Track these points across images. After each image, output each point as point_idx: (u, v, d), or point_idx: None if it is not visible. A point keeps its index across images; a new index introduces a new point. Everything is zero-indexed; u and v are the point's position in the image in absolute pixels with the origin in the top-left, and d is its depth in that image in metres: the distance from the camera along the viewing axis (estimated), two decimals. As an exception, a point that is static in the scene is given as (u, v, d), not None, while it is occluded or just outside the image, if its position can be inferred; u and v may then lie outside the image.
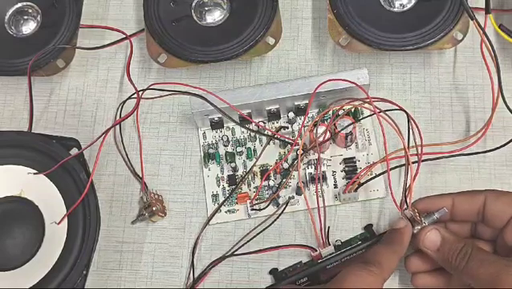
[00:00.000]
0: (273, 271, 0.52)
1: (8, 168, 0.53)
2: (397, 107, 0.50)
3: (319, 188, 0.53)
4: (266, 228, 0.52)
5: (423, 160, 0.49)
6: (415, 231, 0.46)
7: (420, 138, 0.48)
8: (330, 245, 0.51)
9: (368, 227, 0.52)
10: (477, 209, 0.46)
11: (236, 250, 0.52)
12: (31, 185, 0.53)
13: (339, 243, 0.51)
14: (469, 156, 0.52)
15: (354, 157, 0.54)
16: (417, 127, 0.49)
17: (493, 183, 0.53)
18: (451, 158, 0.50)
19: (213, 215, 0.54)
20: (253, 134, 0.55)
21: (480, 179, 0.53)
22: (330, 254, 0.50)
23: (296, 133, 0.55)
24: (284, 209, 0.52)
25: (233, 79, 0.59)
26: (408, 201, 0.47)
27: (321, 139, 0.52)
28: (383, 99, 0.51)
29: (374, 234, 0.52)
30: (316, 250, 0.51)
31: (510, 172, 0.53)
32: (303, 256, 0.52)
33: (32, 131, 0.56)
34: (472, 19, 0.51)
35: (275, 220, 0.53)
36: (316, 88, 0.51)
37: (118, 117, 0.58)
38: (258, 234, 0.52)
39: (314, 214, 0.51)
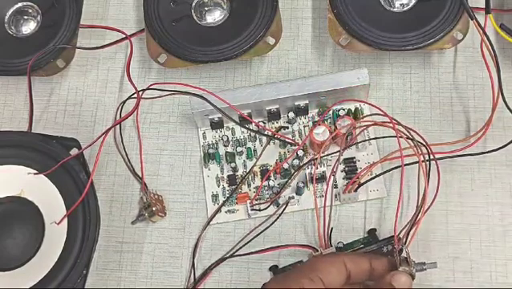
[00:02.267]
0: (273, 268, 0.52)
1: (8, 168, 0.53)
2: (423, 143, 0.49)
3: (321, 188, 0.53)
4: (267, 228, 0.52)
5: (424, 161, 0.49)
6: (400, 269, 0.44)
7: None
8: (332, 246, 0.50)
9: (372, 231, 0.52)
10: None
11: (236, 251, 0.52)
12: (31, 185, 0.53)
13: (341, 245, 0.51)
14: (469, 156, 0.52)
15: (354, 157, 0.54)
16: (437, 166, 0.48)
17: (493, 183, 0.53)
18: (451, 158, 0.50)
19: (214, 215, 0.53)
20: (253, 134, 0.55)
21: (480, 179, 0.53)
22: None
23: (296, 133, 0.55)
24: (284, 209, 0.52)
25: (233, 79, 0.59)
26: (408, 239, 0.46)
27: (323, 138, 0.52)
28: (407, 128, 0.49)
29: (377, 239, 0.51)
30: (318, 251, 0.51)
31: (510, 172, 0.53)
32: (304, 256, 0.52)
33: (32, 131, 0.56)
34: (472, 19, 0.51)
35: (275, 220, 0.52)
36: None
37: (118, 117, 0.58)
38: (258, 234, 0.52)
39: (314, 215, 0.51)
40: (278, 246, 0.52)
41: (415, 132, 0.49)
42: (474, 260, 0.51)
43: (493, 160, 0.53)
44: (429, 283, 0.51)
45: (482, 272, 0.51)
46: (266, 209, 0.53)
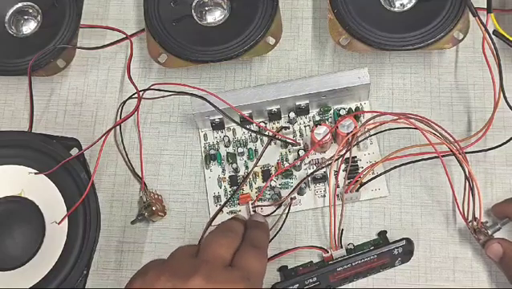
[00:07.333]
0: (282, 269, 0.51)
1: (8, 168, 0.53)
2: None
3: (324, 188, 0.53)
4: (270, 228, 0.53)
5: (425, 159, 0.50)
6: (480, 242, 0.49)
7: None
8: (342, 248, 0.50)
9: (382, 233, 0.52)
10: None
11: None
12: (32, 185, 0.53)
13: (352, 247, 0.51)
14: (469, 154, 0.52)
15: (355, 157, 0.54)
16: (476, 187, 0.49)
17: (494, 183, 0.53)
18: (451, 157, 0.50)
19: (215, 216, 0.53)
20: (254, 135, 0.55)
21: (480, 179, 0.53)
22: (341, 257, 0.50)
23: (297, 133, 0.55)
24: (289, 210, 0.52)
25: (233, 79, 0.59)
26: (476, 216, 0.49)
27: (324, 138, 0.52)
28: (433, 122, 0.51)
29: (387, 241, 0.51)
30: (328, 252, 0.51)
31: (511, 172, 0.53)
32: (310, 256, 0.52)
33: (32, 131, 0.56)
34: (474, 16, 0.51)
35: (284, 222, 0.52)
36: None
37: (118, 117, 0.58)
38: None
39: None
40: (288, 250, 0.52)
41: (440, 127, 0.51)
42: (474, 260, 0.51)
43: (493, 159, 0.53)
44: (430, 283, 0.51)
45: (482, 272, 0.51)
46: (272, 212, 0.53)
